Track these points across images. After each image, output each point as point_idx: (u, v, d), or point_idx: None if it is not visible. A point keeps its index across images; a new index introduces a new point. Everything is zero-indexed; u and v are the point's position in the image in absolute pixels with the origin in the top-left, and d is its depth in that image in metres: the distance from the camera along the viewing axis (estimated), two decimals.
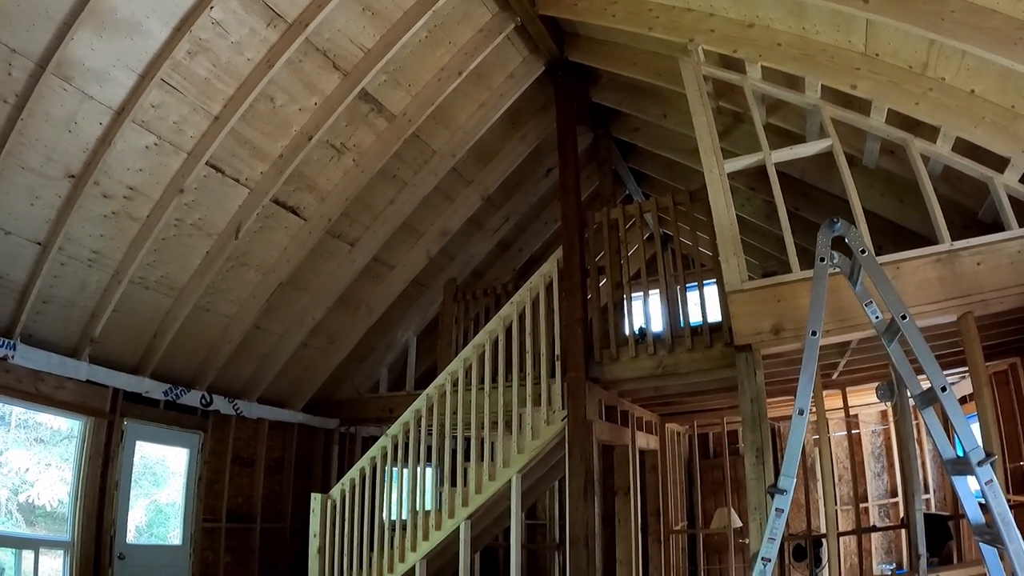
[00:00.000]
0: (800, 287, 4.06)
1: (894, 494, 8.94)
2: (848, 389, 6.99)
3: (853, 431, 8.21)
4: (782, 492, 3.24)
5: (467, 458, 6.24)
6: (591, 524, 5.28)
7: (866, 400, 7.91)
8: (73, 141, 5.37)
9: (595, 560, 5.25)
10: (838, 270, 3.68)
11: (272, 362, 8.22)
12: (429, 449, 6.45)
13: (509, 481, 5.74)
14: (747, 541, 8.67)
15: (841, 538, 8.56)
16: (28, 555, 6.23)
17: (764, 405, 4.05)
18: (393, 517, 6.52)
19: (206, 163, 5.95)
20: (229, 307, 7.32)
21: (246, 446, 8.41)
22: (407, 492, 6.39)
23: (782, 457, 3.45)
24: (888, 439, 9.15)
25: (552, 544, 8.83)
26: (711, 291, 5.76)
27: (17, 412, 6.75)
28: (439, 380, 6.50)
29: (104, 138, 5.43)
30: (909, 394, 3.52)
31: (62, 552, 6.54)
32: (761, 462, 3.90)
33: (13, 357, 5.98)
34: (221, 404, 7.93)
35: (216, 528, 7.83)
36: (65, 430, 7.12)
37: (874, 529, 8.59)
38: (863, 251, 3.52)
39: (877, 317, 3.58)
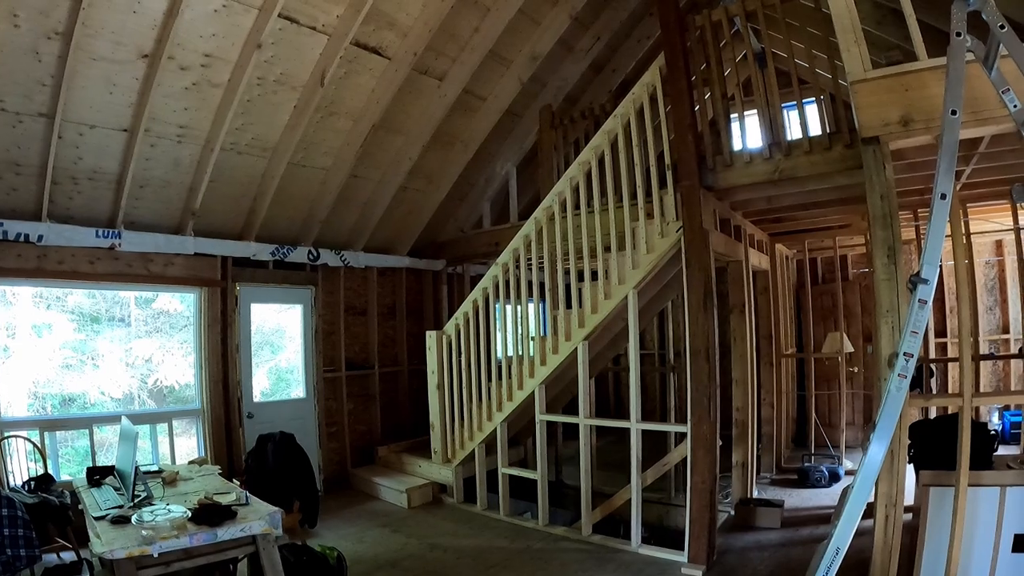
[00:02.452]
0: (929, 76, 3.69)
1: (1005, 330, 8.82)
2: (968, 208, 6.55)
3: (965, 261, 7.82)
4: (925, 282, 3.20)
5: (580, 279, 6.34)
6: (711, 336, 5.34)
7: (981, 228, 7.57)
8: (140, 20, 5.22)
9: (716, 374, 5.37)
10: (971, 55, 3.37)
11: (373, 209, 8.30)
12: (540, 285, 6.58)
13: (625, 299, 5.84)
14: (856, 369, 8.87)
15: (950, 369, 8.66)
16: (163, 427, 6.85)
17: (895, 200, 3.86)
18: (505, 352, 6.86)
19: (279, 15, 5.70)
20: (324, 159, 7.30)
21: (357, 296, 8.75)
22: (520, 323, 6.66)
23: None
24: (1002, 271, 8.84)
25: (662, 368, 9.06)
26: (811, 109, 5.63)
27: (135, 307, 7.16)
28: (546, 202, 6.50)
29: (170, 10, 5.24)
30: None
31: (194, 420, 7.16)
32: (893, 261, 3.79)
33: (120, 244, 6.28)
34: (328, 257, 8.15)
35: (336, 377, 8.36)
36: (182, 312, 7.51)
37: (990, 357, 8.52)
38: (1002, 26, 3.20)
39: (1016, 106, 3.32)
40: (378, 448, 8.51)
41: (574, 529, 6.28)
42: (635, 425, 5.76)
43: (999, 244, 8.73)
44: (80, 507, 4.40)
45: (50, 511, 4.99)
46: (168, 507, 3.70)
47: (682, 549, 5.45)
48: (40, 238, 5.77)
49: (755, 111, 5.78)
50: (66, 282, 6.23)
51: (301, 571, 4.38)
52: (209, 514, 3.63)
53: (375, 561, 5.66)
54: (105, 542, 3.29)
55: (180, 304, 7.49)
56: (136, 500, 3.98)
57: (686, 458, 5.47)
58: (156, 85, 5.57)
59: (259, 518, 3.72)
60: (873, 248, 3.94)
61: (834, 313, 9.09)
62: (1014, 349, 8.51)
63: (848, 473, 7.65)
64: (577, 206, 6.22)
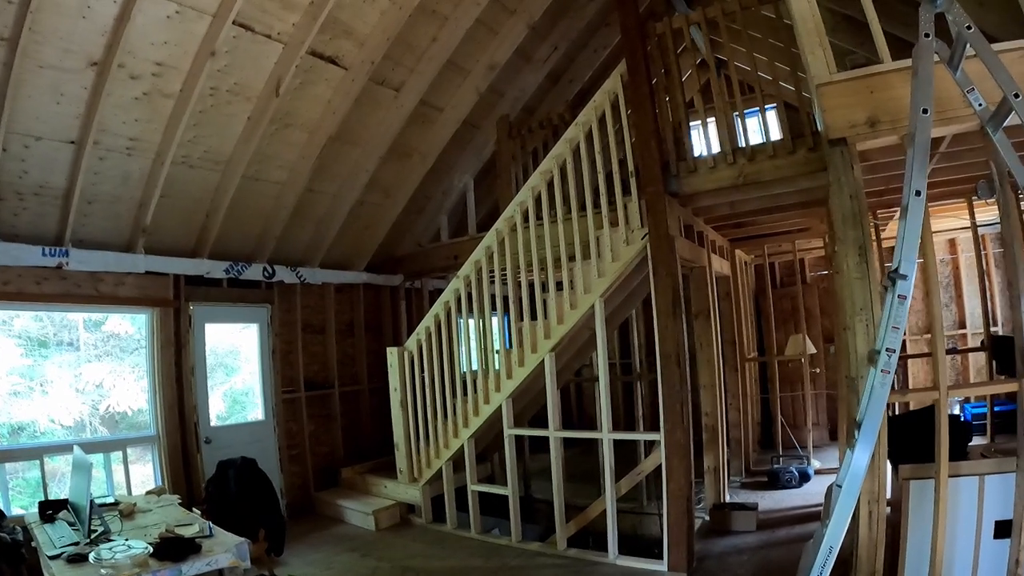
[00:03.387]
0: (894, 77, 3.74)
1: (962, 325, 9.16)
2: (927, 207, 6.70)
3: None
4: (904, 277, 3.21)
5: (544, 291, 6.23)
6: (681, 342, 5.30)
7: (936, 227, 7.68)
8: (89, 26, 4.97)
9: (687, 379, 5.32)
10: (935, 56, 3.42)
11: (329, 224, 8.09)
12: (503, 298, 6.52)
13: (591, 308, 5.76)
14: (818, 370, 9.02)
15: (909, 364, 8.98)
16: (116, 455, 6.51)
17: (864, 200, 3.91)
18: (470, 366, 6.74)
19: (233, 23, 5.50)
20: (279, 173, 7.08)
21: (315, 313, 8.48)
22: (484, 337, 6.55)
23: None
24: (956, 269, 9.21)
25: (632, 376, 8.98)
26: (772, 115, 5.75)
27: (84, 330, 6.87)
28: (507, 212, 6.37)
29: (121, 16, 4.99)
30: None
31: (149, 446, 6.83)
32: (865, 260, 3.83)
33: (68, 264, 5.97)
34: (284, 274, 7.90)
35: (296, 398, 8.08)
36: (134, 335, 7.24)
37: (953, 351, 8.73)
38: (969, 27, 3.28)
39: (981, 104, 3.41)
40: (342, 470, 8.26)
41: (549, 544, 6.12)
42: (607, 435, 5.64)
43: (952, 243, 9.04)
44: (33, 544, 4.13)
45: (1, 549, 4.69)
46: (127, 542, 3.48)
47: (660, 558, 5.39)
48: None
49: (715, 117, 5.75)
50: (11, 303, 5.91)
51: None
52: (172, 548, 3.42)
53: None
54: None
55: (131, 326, 7.16)
56: (93, 536, 3.73)
57: (660, 466, 5.40)
58: (106, 95, 5.32)
59: (225, 550, 3.53)
60: (842, 248, 3.92)
61: (795, 316, 9.24)
62: (971, 343, 8.72)
63: (818, 472, 7.69)
64: (540, 216, 6.13)
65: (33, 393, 6.83)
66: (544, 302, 6.09)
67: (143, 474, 6.86)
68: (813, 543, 3.53)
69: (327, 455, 8.45)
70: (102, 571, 3.07)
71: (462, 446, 6.70)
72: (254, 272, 7.54)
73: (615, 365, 9.74)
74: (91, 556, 3.29)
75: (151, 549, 3.37)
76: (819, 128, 4.17)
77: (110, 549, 3.34)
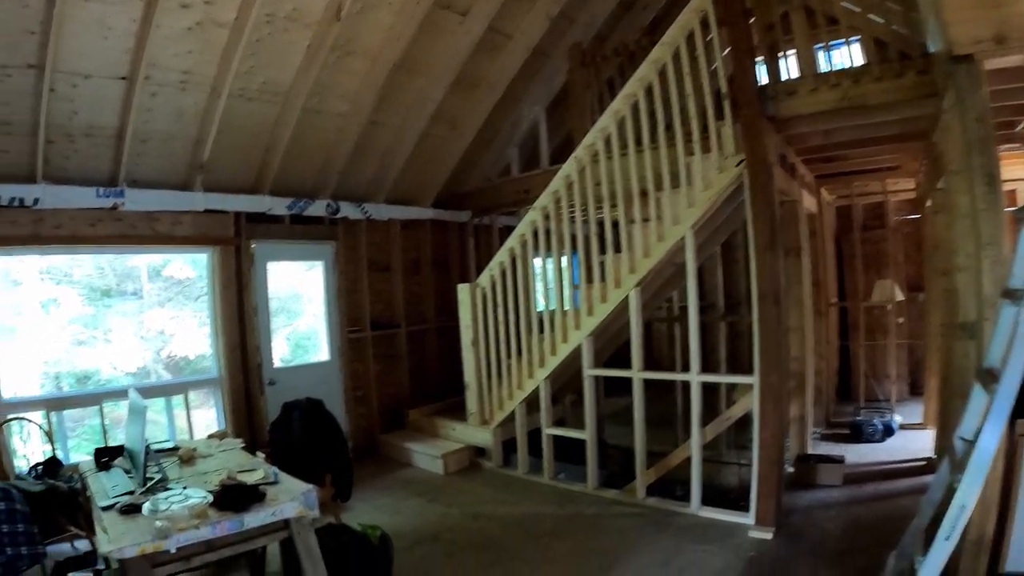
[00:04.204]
0: None
1: None
2: None
3: None
4: None
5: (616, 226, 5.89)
6: (779, 279, 4.96)
7: None
8: None
9: (784, 318, 5.03)
10: None
11: (394, 158, 7.79)
12: (573, 237, 6.24)
13: (680, 240, 5.41)
14: (902, 320, 8.44)
15: None
16: (178, 400, 6.45)
17: (991, 124, 3.50)
18: (546, 304, 6.45)
19: None
20: (340, 104, 6.77)
21: (380, 250, 8.27)
22: (563, 271, 6.26)
23: None
24: None
25: (704, 318, 8.61)
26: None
27: (145, 277, 6.85)
28: (588, 139, 5.96)
29: None
30: None
31: (212, 389, 6.76)
32: (995, 190, 3.43)
33: (123, 204, 5.86)
34: (349, 210, 7.67)
35: (362, 338, 7.92)
36: (195, 279, 7.13)
37: None
38: None
39: None
40: (408, 412, 8.13)
41: (626, 492, 5.87)
42: (696, 377, 5.32)
43: None
44: (88, 493, 4.01)
45: (58, 498, 4.59)
46: (185, 491, 3.26)
47: (740, 509, 5.20)
48: (36, 201, 5.40)
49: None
50: (66, 247, 5.81)
51: (341, 555, 3.93)
52: (234, 497, 3.17)
53: (415, 534, 5.28)
54: (112, 538, 2.84)
55: (193, 270, 7.09)
56: (148, 484, 3.53)
57: (749, 413, 5.10)
58: (155, 27, 5.06)
59: (292, 499, 3.27)
60: (960, 178, 3.58)
61: (877, 261, 8.69)
62: None
63: (902, 427, 7.26)
64: (624, 143, 5.73)
65: (97, 341, 6.90)
66: (629, 234, 5.73)
67: (206, 419, 6.81)
68: (928, 500, 3.33)
69: (393, 396, 8.31)
70: (156, 523, 2.87)
71: (536, 387, 6.45)
72: (317, 208, 7.32)
73: (706, 306, 9.30)
74: (145, 507, 3.08)
75: (210, 498, 3.16)
76: (932, 48, 3.86)
77: (167, 498, 3.14)
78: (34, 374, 6.30)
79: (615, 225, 5.90)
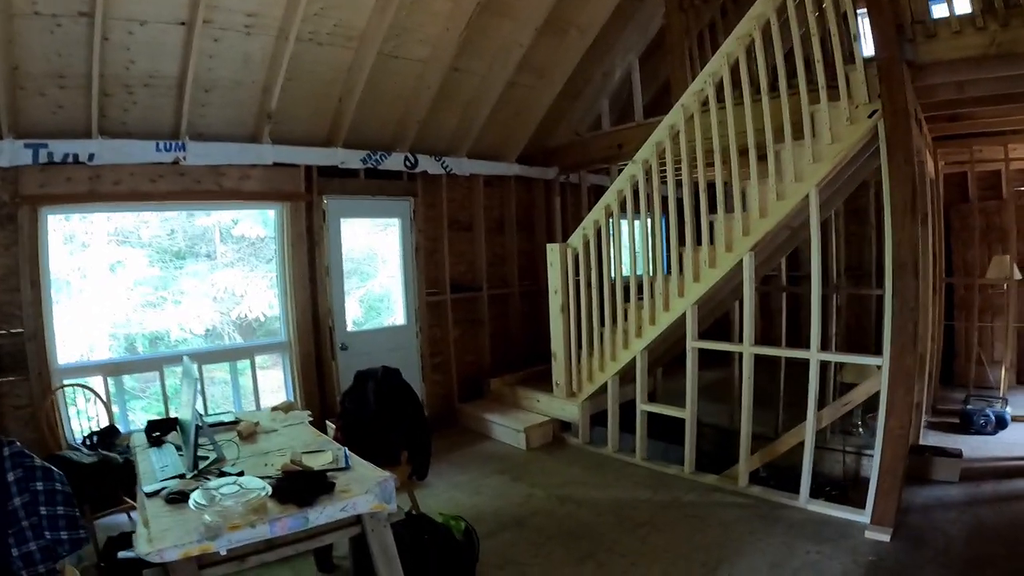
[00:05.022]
0: None
1: None
2: None
3: None
4: None
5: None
6: (918, 247, 4.33)
7: None
8: None
9: (920, 293, 4.39)
10: None
11: (478, 109, 7.28)
12: (663, 199, 5.71)
13: (802, 200, 4.80)
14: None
15: None
16: (244, 364, 6.18)
17: None
18: (645, 269, 5.87)
19: None
20: (420, 49, 6.31)
21: (461, 208, 7.81)
22: (668, 233, 5.65)
23: None
24: None
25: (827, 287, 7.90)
26: None
27: (212, 237, 6.68)
28: (696, 85, 5.34)
29: None
30: None
31: (280, 354, 6.46)
32: None
33: (185, 158, 5.55)
34: (428, 164, 7.22)
35: (441, 301, 7.52)
36: (266, 239, 6.83)
37: None
38: None
39: None
40: (489, 380, 7.72)
41: (725, 478, 5.37)
42: (816, 355, 4.75)
43: None
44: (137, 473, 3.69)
45: (112, 470, 4.32)
46: (240, 480, 2.85)
47: (841, 501, 4.75)
48: (91, 157, 5.15)
49: None
50: (125, 204, 5.58)
51: (420, 553, 3.53)
52: (297, 488, 2.74)
53: (497, 518, 4.87)
54: (153, 534, 2.45)
55: (264, 229, 6.77)
56: (200, 466, 3.17)
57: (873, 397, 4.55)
58: None
59: (365, 490, 2.82)
60: None
61: (989, 236, 7.82)
62: None
63: (1015, 419, 6.49)
64: (737, 90, 5.10)
65: (166, 303, 6.80)
66: (743, 192, 5.14)
67: (275, 383, 6.54)
68: None
69: (472, 364, 7.90)
70: (205, 518, 2.47)
71: (632, 359, 5.94)
72: (394, 162, 6.90)
73: (801, 276, 8.56)
74: (193, 498, 2.70)
75: (269, 490, 2.76)
76: None
77: (219, 488, 2.75)
78: (101, 337, 6.16)
79: (725, 183, 5.37)
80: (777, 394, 6.60)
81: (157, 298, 6.68)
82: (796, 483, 4.91)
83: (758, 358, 5.13)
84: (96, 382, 5.30)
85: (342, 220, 6.75)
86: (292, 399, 5.84)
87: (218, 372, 6.47)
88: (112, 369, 5.52)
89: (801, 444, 4.91)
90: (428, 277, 7.40)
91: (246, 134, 5.96)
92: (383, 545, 2.90)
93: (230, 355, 6.29)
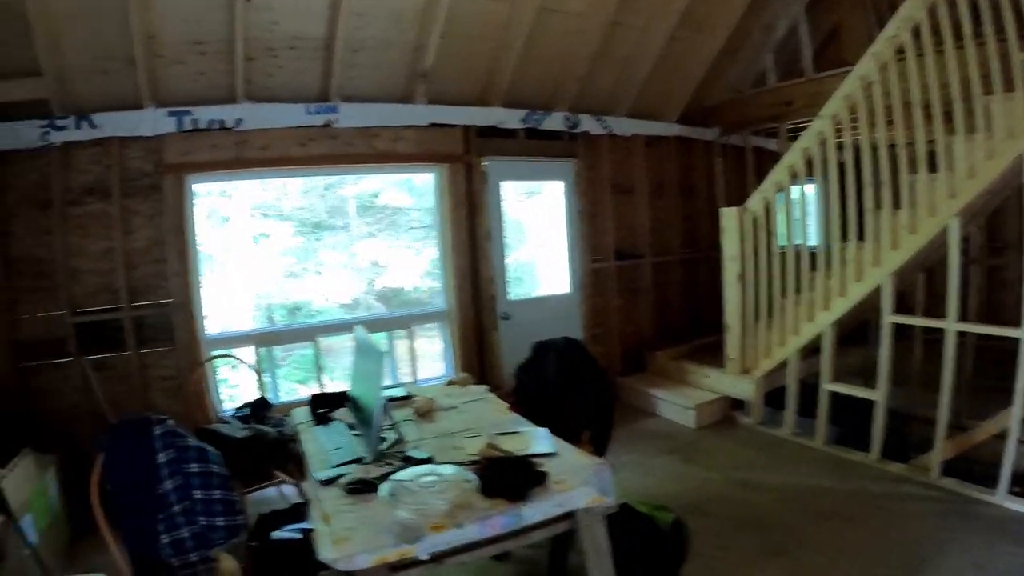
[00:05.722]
0: None
1: None
2: None
3: None
4: None
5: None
6: None
7: None
8: None
9: None
10: None
11: (637, 65, 6.83)
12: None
13: (1015, 158, 4.19)
14: None
15: None
16: (399, 334, 6.07)
17: None
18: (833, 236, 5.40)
19: None
20: (578, 2, 5.90)
21: (621, 170, 7.35)
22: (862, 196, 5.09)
23: None
24: None
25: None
26: None
27: (356, 206, 6.63)
28: (888, 31, 4.78)
29: None
30: None
31: (438, 325, 6.30)
32: None
33: (337, 120, 5.46)
34: (588, 123, 6.85)
35: (603, 268, 7.15)
36: (409, 208, 6.68)
37: None
38: None
39: None
40: (652, 353, 7.30)
41: (914, 467, 4.82)
42: None
43: None
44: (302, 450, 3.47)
45: (265, 446, 4.19)
46: (435, 469, 2.54)
47: None
48: (238, 122, 5.15)
49: None
50: (274, 170, 5.54)
51: (627, 546, 3.12)
52: (507, 479, 2.42)
53: (674, 504, 4.41)
54: (336, 534, 2.18)
55: (409, 197, 6.67)
56: (381, 449, 2.89)
57: None
58: None
59: (582, 483, 2.49)
60: None
61: None
62: None
63: None
64: (937, 37, 4.51)
65: (307, 274, 6.84)
66: (948, 149, 4.55)
67: (430, 354, 6.43)
68: None
69: (633, 335, 7.50)
70: (402, 515, 2.18)
71: (819, 334, 5.45)
72: (554, 121, 6.58)
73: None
74: (383, 490, 2.43)
75: (476, 480, 2.45)
76: None
77: (412, 476, 2.48)
78: (246, 308, 6.27)
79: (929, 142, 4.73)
80: (961, 377, 5.92)
81: (299, 269, 6.71)
82: (986, 477, 4.40)
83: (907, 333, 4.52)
84: (243, 353, 5.29)
85: (502, 182, 6.48)
86: (460, 372, 5.63)
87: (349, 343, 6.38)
88: (262, 339, 5.52)
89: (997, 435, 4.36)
90: (590, 243, 7.07)
91: (398, 94, 5.79)
92: (596, 544, 2.56)
93: (386, 325, 6.17)
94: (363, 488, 2.49)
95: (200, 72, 4.93)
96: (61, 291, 5.01)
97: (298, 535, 3.60)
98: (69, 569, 4.10)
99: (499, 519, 2.27)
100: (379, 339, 5.77)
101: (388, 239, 6.91)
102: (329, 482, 2.63)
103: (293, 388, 5.83)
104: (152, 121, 4.95)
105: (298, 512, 3.80)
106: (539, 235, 7.18)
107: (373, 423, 2.88)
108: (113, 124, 4.96)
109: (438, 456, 2.80)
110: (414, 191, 6.49)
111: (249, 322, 6.17)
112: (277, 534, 3.57)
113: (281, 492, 4.36)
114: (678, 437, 5.86)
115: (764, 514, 4.34)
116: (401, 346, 6.11)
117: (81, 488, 4.29)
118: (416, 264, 6.67)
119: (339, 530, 2.21)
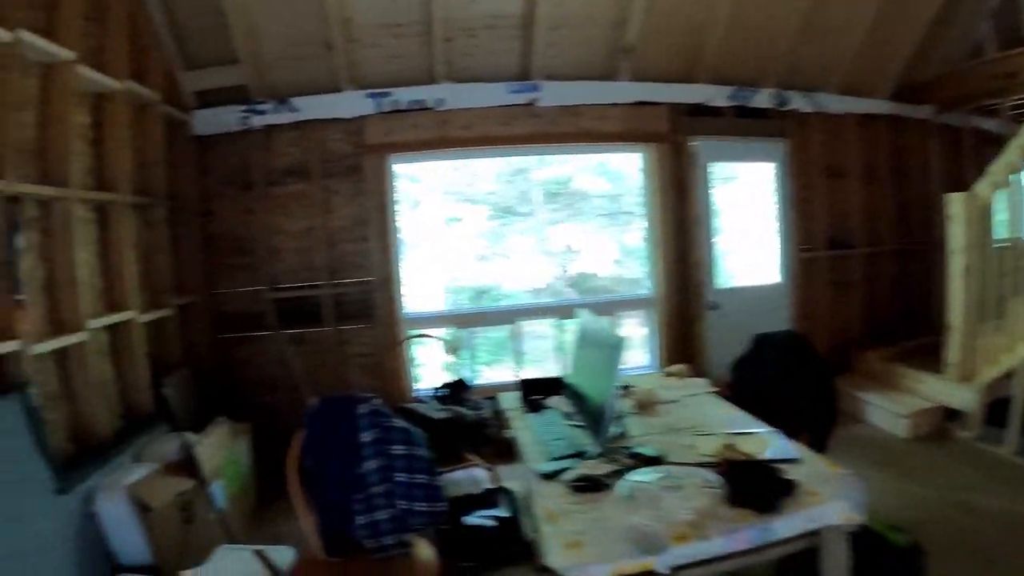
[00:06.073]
0: None
1: None
2: None
3: None
4: None
5: None
6: None
7: None
8: None
9: None
10: None
11: (845, 37, 6.33)
12: None
13: None
14: None
15: None
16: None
17: None
18: None
19: None
20: None
21: (830, 152, 6.83)
22: None
23: None
24: None
25: None
26: None
27: (547, 191, 6.59)
28: None
29: None
30: None
31: (641, 312, 6.12)
32: None
33: (539, 99, 5.47)
34: (796, 100, 6.44)
35: (814, 258, 6.71)
36: (606, 192, 6.58)
37: None
38: None
39: None
40: (860, 353, 6.77)
41: None
42: None
43: None
44: (504, 434, 3.45)
45: (463, 428, 4.20)
46: (671, 470, 2.34)
47: None
48: (439, 102, 5.31)
49: None
50: (477, 149, 5.57)
51: (863, 570, 2.85)
52: (754, 486, 2.17)
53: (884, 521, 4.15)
54: (563, 538, 2.00)
55: (606, 182, 6.59)
56: (606, 444, 2.68)
57: None
58: None
59: (835, 496, 2.22)
60: None
61: None
62: None
63: None
64: None
65: (497, 257, 6.84)
66: None
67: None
68: None
69: (840, 332, 6.94)
70: (640, 521, 1.98)
71: None
72: (762, 98, 6.23)
73: None
74: (620, 488, 2.25)
75: (719, 486, 2.21)
76: None
77: (650, 480, 2.27)
78: (436, 290, 6.33)
79: None
80: None
81: (489, 253, 6.72)
82: None
83: None
84: (439, 334, 5.38)
85: (710, 164, 6.17)
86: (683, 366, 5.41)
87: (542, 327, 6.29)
88: (460, 320, 5.56)
89: None
90: (800, 229, 6.66)
91: (599, 72, 5.67)
92: (838, 566, 2.28)
93: (591, 311, 6.02)
94: (591, 486, 2.31)
95: (395, 55, 5.08)
96: (262, 268, 5.29)
97: (492, 522, 3.55)
98: (253, 535, 4.21)
99: (747, 532, 2.04)
100: (611, 326, 5.64)
101: (581, 224, 6.80)
102: (551, 476, 2.46)
103: (478, 371, 5.79)
104: (351, 103, 5.17)
105: (490, 498, 3.76)
106: (737, 222, 6.77)
107: (604, 416, 2.68)
108: (312, 107, 5.22)
109: (668, 455, 2.57)
110: (609, 176, 6.31)
111: (439, 304, 6.25)
112: (469, 519, 3.56)
113: (472, 476, 4.23)
114: (887, 447, 5.41)
115: (989, 544, 3.85)
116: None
117: (271, 457, 4.41)
118: (610, 250, 6.49)
119: (568, 533, 2.04)
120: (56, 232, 3.73)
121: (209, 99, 5.26)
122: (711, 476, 2.26)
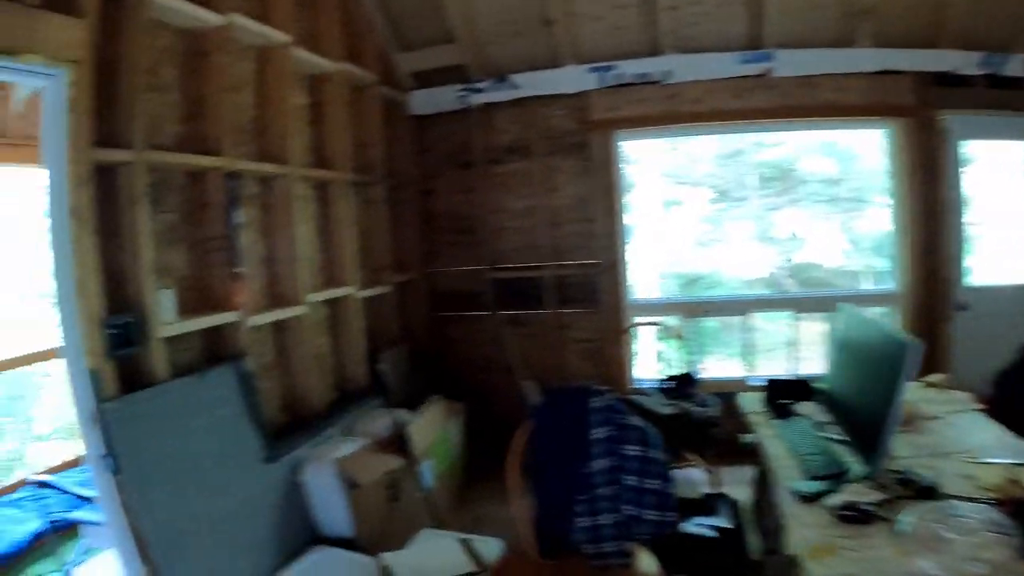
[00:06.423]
0: None
1: None
2: None
3: None
4: None
5: None
6: None
7: None
8: None
9: None
10: None
11: None
12: None
13: None
14: None
15: None
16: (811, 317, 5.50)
17: None
18: None
19: None
20: None
21: None
22: None
23: None
24: None
25: None
26: None
27: (766, 176, 6.30)
28: None
29: None
30: None
31: (887, 306, 5.50)
32: None
33: (773, 69, 5.03)
34: None
35: None
36: (834, 176, 6.27)
37: None
38: None
39: None
40: None
41: None
42: None
43: None
44: (740, 438, 3.14)
45: (690, 426, 3.86)
46: (959, 506, 1.91)
47: None
48: (666, 75, 5.02)
49: None
50: (706, 125, 5.23)
51: None
52: None
53: None
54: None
55: (837, 164, 6.16)
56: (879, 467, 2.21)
57: None
58: None
59: None
60: None
61: None
62: None
63: None
64: None
65: (715, 243, 6.66)
66: None
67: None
68: None
69: None
70: (927, 568, 1.61)
71: None
72: (1016, 66, 5.33)
73: None
74: (900, 524, 1.84)
75: (1016, 531, 1.74)
76: None
77: (938, 517, 1.86)
78: (654, 276, 6.24)
79: None
80: None
81: (708, 239, 6.53)
82: None
83: None
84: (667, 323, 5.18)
85: (961, 142, 5.38)
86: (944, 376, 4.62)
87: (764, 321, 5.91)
88: (688, 309, 5.29)
89: None
90: None
91: (831, 38, 5.08)
92: None
93: (819, 305, 5.49)
94: (859, 518, 1.92)
95: (617, 26, 4.85)
96: (482, 247, 5.33)
97: (711, 532, 3.19)
98: (456, 516, 4.27)
99: None
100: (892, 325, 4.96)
101: (806, 209, 6.28)
102: (812, 499, 2.08)
103: (701, 364, 5.29)
104: (573, 78, 5.04)
105: (708, 504, 3.42)
106: (988, 209, 5.90)
107: (883, 434, 2.17)
108: (532, 83, 5.14)
109: (944, 485, 2.09)
110: (840, 157, 5.66)
111: (655, 291, 6.14)
112: (687, 526, 3.21)
113: (689, 477, 3.97)
114: None
115: None
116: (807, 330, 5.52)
117: (481, 437, 4.64)
118: (837, 240, 5.83)
119: (837, 570, 1.67)
120: (276, 208, 3.87)
121: (427, 79, 5.37)
122: (998, 517, 1.84)
